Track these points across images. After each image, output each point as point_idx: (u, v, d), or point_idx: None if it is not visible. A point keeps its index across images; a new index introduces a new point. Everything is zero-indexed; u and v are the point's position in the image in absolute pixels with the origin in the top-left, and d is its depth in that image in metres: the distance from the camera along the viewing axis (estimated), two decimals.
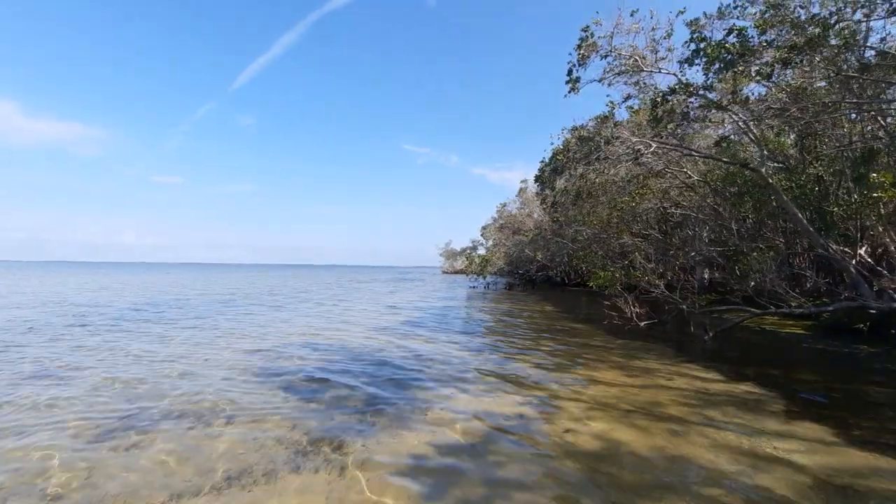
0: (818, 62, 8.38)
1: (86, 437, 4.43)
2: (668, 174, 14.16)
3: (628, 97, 12.69)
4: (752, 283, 10.39)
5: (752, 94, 11.12)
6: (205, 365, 7.56)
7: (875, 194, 7.80)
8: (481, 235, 48.49)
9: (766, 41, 8.70)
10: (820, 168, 11.17)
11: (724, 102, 10.30)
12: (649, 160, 12.64)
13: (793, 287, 10.48)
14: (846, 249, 10.17)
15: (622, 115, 13.93)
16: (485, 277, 36.26)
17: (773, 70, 8.80)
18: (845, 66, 8.16)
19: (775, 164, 11.76)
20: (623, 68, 11.35)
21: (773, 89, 10.21)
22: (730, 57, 8.86)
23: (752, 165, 10.83)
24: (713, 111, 11.08)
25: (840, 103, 8.92)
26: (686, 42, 9.77)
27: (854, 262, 9.74)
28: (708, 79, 9.72)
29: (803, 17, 8.32)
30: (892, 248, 9.88)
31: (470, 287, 35.24)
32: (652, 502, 3.19)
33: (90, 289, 27.12)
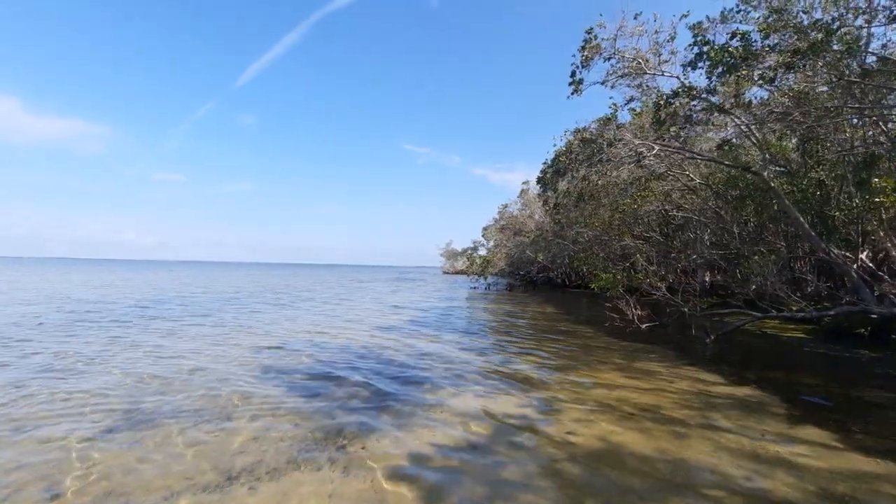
0: (821, 67, 8.41)
1: (101, 430, 4.52)
2: (670, 177, 14.20)
3: (631, 99, 12.74)
4: (754, 287, 10.41)
5: (755, 97, 11.17)
6: (216, 360, 7.72)
7: (876, 199, 7.84)
8: (482, 236, 48.58)
9: (768, 45, 8.74)
10: (822, 172, 11.19)
11: (727, 106, 10.34)
12: (651, 163, 12.68)
13: (794, 291, 10.50)
14: (847, 254, 10.20)
15: (625, 117, 13.98)
16: (486, 278, 36.28)
17: (775, 74, 8.84)
18: (847, 72, 8.19)
19: (777, 168, 11.78)
20: (626, 70, 11.40)
21: (776, 93, 10.25)
22: (733, 61, 8.90)
23: (754, 169, 10.86)
24: (716, 114, 11.13)
25: (842, 108, 8.96)
26: (689, 45, 9.82)
27: (855, 266, 9.77)
28: (711, 82, 9.76)
29: (806, 23, 8.36)
30: (894, 253, 9.89)
31: (471, 287, 35.28)
32: None
33: (93, 285, 27.23)
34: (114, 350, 8.36)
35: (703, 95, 10.15)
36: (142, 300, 18.56)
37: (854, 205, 9.88)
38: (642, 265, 12.50)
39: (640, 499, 3.28)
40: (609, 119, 12.94)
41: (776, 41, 8.70)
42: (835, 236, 10.24)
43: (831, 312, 9.20)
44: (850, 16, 7.89)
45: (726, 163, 11.77)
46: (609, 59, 11.20)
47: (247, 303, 18.93)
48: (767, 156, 11.23)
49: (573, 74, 11.34)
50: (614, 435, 4.51)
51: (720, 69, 9.20)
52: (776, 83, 9.36)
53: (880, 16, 7.63)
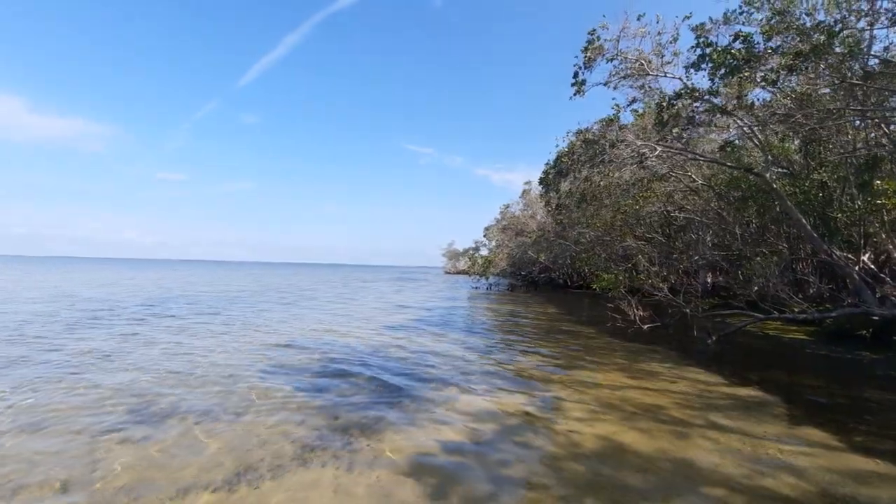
0: (823, 69, 8.43)
1: (121, 423, 4.65)
2: (673, 178, 14.22)
3: (633, 101, 12.75)
4: (756, 288, 10.43)
5: (758, 99, 11.19)
6: (229, 357, 7.94)
7: (878, 201, 7.87)
8: (484, 236, 48.59)
9: (771, 47, 8.76)
10: (824, 174, 11.20)
11: (730, 107, 10.36)
12: (654, 164, 12.70)
13: (796, 292, 10.52)
14: (850, 256, 10.21)
15: (627, 118, 14.00)
16: (487, 278, 36.30)
17: (778, 76, 8.86)
18: (850, 74, 8.21)
19: (779, 170, 11.79)
20: (629, 72, 11.41)
21: (778, 95, 10.26)
22: (735, 62, 8.91)
23: (756, 170, 10.88)
24: (718, 116, 11.14)
25: (844, 110, 8.97)
26: (692, 47, 9.83)
27: (857, 268, 9.78)
28: (713, 84, 9.77)
29: (809, 25, 8.37)
30: None
31: (473, 288, 35.33)
32: (655, 503, 3.25)
33: (99, 284, 27.42)
34: (129, 347, 8.59)
35: (706, 97, 10.17)
36: (149, 298, 18.70)
37: (856, 207, 9.89)
38: (644, 266, 12.52)
39: (642, 497, 3.32)
40: (611, 120, 12.96)
41: (778, 43, 8.72)
42: (837, 238, 10.25)
43: (833, 314, 9.22)
44: (852, 18, 7.91)
45: (728, 164, 11.79)
46: (612, 60, 11.22)
47: (252, 302, 19.08)
48: (770, 157, 11.24)
49: (576, 75, 11.36)
50: (616, 434, 4.55)
51: (723, 71, 9.21)
52: (779, 85, 9.38)
53: (882, 18, 7.65)
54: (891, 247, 9.86)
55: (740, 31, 9.16)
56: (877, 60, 8.46)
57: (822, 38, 7.74)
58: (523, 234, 35.74)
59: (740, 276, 13.11)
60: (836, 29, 7.78)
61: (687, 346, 10.01)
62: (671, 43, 10.77)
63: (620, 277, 12.09)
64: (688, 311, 10.76)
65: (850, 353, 9.10)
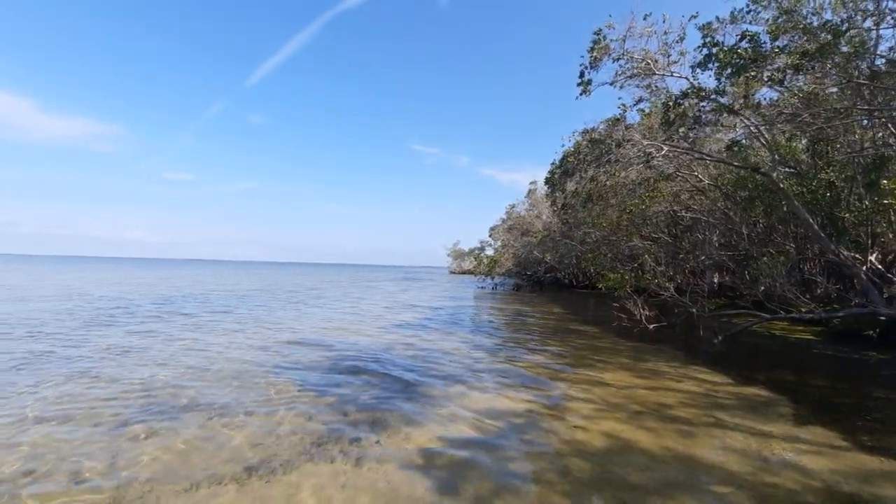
0: (829, 69, 8.40)
1: (145, 416, 4.84)
2: (679, 178, 14.18)
3: (640, 100, 12.73)
4: (763, 288, 10.41)
5: (764, 98, 11.13)
6: (244, 353, 8.21)
7: (886, 201, 7.84)
8: (489, 236, 48.49)
9: (778, 47, 8.74)
10: (831, 174, 11.14)
11: (736, 107, 10.33)
12: (660, 163, 12.68)
13: (803, 292, 10.48)
14: (857, 256, 10.16)
15: (633, 117, 13.97)
16: (493, 278, 36.31)
17: (785, 75, 8.83)
18: (857, 73, 8.17)
19: (787, 169, 11.74)
20: (635, 71, 11.39)
21: (785, 94, 10.22)
22: (742, 62, 8.89)
23: (763, 170, 10.84)
24: (725, 115, 11.10)
25: (852, 109, 8.93)
26: (698, 46, 9.81)
27: (865, 268, 9.74)
28: (720, 83, 9.75)
29: (815, 24, 8.35)
30: None
31: (478, 287, 35.41)
32: (661, 500, 3.29)
33: (111, 283, 27.85)
34: (147, 343, 8.85)
35: (713, 96, 10.14)
36: (161, 297, 18.97)
37: (864, 206, 9.85)
38: (650, 266, 12.52)
39: (648, 494, 3.37)
40: (618, 119, 12.95)
41: (785, 42, 8.70)
42: (844, 238, 10.20)
43: (840, 314, 9.19)
44: (858, 18, 7.88)
45: (735, 164, 11.75)
46: (618, 59, 11.20)
47: (262, 300, 19.37)
48: (777, 157, 11.20)
49: (582, 75, 11.36)
50: (622, 432, 4.60)
51: (729, 70, 9.19)
52: (786, 84, 9.35)
53: (888, 18, 7.62)
54: None
55: (747, 30, 9.13)
56: (883, 60, 8.42)
57: (829, 37, 7.72)
58: (529, 233, 35.69)
59: (747, 276, 13.07)
60: (843, 28, 7.75)
61: (693, 345, 10.03)
62: (678, 42, 10.73)
63: (626, 277, 12.10)
64: (694, 310, 10.76)
65: (857, 353, 9.08)
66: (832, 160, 11.32)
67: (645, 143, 11.51)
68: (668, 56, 10.90)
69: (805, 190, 11.06)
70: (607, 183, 14.89)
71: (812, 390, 6.55)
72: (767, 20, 9.28)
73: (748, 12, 9.66)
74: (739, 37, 9.14)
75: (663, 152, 11.48)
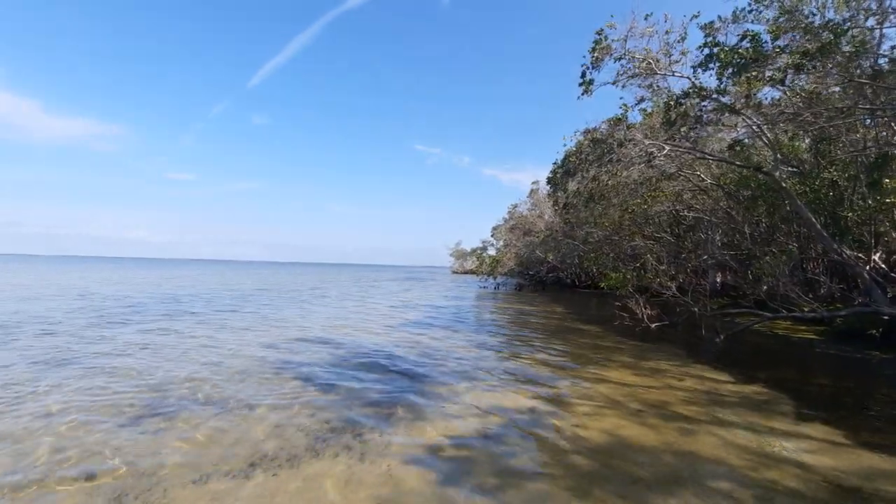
0: (831, 68, 8.41)
1: (158, 410, 4.95)
2: (681, 177, 14.20)
3: (641, 100, 12.73)
4: (765, 287, 10.42)
5: (766, 98, 11.13)
6: (254, 351, 8.34)
7: (889, 200, 7.84)
8: (492, 236, 48.49)
9: (778, 46, 8.75)
10: (834, 173, 11.14)
11: (738, 106, 10.33)
12: (662, 163, 12.69)
13: (806, 292, 10.48)
14: (860, 255, 10.16)
15: (635, 117, 13.98)
16: (495, 278, 36.34)
17: (786, 75, 8.84)
18: (858, 72, 8.18)
19: (789, 169, 11.73)
20: (636, 71, 11.41)
21: (787, 93, 10.23)
22: (743, 62, 8.91)
23: (765, 169, 10.84)
24: (727, 115, 11.11)
25: (854, 108, 8.94)
26: (700, 46, 9.82)
27: (868, 267, 9.74)
28: (721, 83, 9.76)
29: (817, 23, 8.36)
30: None
31: (480, 287, 35.44)
32: (661, 496, 3.31)
33: (114, 282, 28.02)
34: (160, 340, 9.01)
35: (714, 96, 10.15)
36: (168, 296, 19.11)
37: (867, 205, 9.84)
38: (652, 265, 12.54)
39: (649, 489, 3.40)
40: (619, 119, 12.96)
41: (786, 42, 8.71)
42: (847, 237, 10.20)
43: (843, 313, 9.19)
44: (861, 17, 7.89)
45: (737, 163, 11.76)
46: (619, 59, 11.22)
47: (268, 299, 19.49)
48: (779, 156, 11.20)
49: (583, 75, 11.38)
50: (624, 429, 4.63)
51: (731, 70, 9.21)
52: (787, 83, 9.35)
53: (891, 17, 7.62)
54: None
55: (748, 30, 9.14)
56: (886, 59, 8.42)
57: (830, 36, 7.73)
58: (531, 233, 35.69)
59: (749, 276, 13.08)
60: (845, 27, 7.76)
61: (695, 344, 10.04)
62: (679, 42, 10.74)
63: (629, 276, 12.12)
64: (696, 310, 10.77)
65: (860, 353, 9.07)
66: (835, 159, 11.32)
67: (647, 142, 11.52)
68: (670, 56, 10.91)
69: (808, 189, 11.06)
70: (609, 182, 14.90)
71: (814, 389, 6.56)
72: (769, 19, 9.29)
73: (750, 11, 9.67)
74: (741, 37, 9.16)
75: (665, 152, 11.50)
